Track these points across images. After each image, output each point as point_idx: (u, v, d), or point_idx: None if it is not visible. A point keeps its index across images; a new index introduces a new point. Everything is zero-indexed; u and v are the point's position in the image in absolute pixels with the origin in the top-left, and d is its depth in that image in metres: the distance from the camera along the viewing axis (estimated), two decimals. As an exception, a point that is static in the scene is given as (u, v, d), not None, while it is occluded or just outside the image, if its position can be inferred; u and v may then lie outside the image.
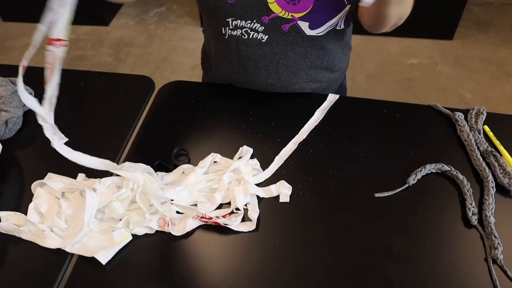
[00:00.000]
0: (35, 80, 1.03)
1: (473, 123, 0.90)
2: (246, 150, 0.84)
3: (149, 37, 2.80)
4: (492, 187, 0.77)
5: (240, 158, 0.83)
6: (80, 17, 2.88)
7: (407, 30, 2.62)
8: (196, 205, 0.77)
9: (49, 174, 0.81)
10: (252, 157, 0.84)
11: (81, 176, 0.81)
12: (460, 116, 0.91)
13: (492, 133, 0.88)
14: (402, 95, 2.29)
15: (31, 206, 0.74)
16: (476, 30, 2.77)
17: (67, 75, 1.08)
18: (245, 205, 0.76)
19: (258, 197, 0.77)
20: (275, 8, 0.83)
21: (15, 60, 2.64)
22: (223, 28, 0.89)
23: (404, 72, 2.44)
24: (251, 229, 0.72)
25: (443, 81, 2.37)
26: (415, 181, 0.78)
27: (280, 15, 0.84)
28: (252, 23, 0.86)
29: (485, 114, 0.92)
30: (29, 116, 0.96)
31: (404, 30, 2.59)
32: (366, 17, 0.83)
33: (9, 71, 1.06)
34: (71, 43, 2.77)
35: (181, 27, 2.87)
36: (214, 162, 0.83)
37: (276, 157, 0.84)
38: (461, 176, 0.78)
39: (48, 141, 0.90)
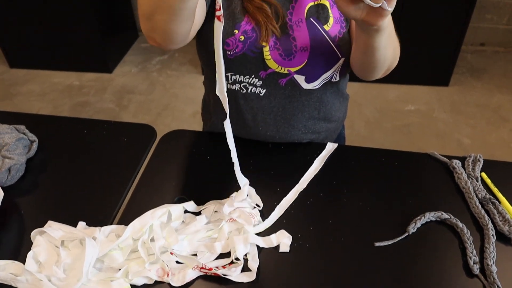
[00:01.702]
0: (39, 127, 1.05)
1: (471, 171, 0.91)
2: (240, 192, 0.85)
3: (151, 85, 2.86)
4: (493, 235, 0.77)
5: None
6: (85, 64, 2.96)
7: (404, 77, 2.68)
8: (196, 254, 0.76)
9: (49, 222, 0.81)
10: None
11: (81, 224, 0.81)
12: (457, 163, 0.92)
13: (489, 180, 0.89)
14: (401, 141, 2.32)
15: (29, 254, 0.74)
16: (471, 76, 2.84)
17: (70, 123, 1.11)
18: (245, 255, 0.75)
19: (258, 246, 0.77)
20: (271, 64, 0.87)
21: (20, 107, 2.69)
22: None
23: (402, 119, 2.48)
24: (251, 280, 0.71)
25: (441, 127, 2.41)
26: (415, 229, 0.78)
27: (277, 70, 0.88)
28: (251, 78, 0.89)
29: (482, 161, 0.93)
30: (32, 162, 0.97)
31: (401, 77, 2.66)
32: (356, 64, 0.86)
33: (15, 118, 1.08)
34: (74, 89, 2.84)
35: (182, 74, 2.94)
36: (215, 211, 0.83)
37: (277, 206, 0.84)
38: (460, 224, 0.79)
39: (49, 188, 0.91)
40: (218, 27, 0.66)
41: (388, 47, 0.76)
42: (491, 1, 2.92)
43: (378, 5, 0.57)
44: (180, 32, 0.72)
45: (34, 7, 2.71)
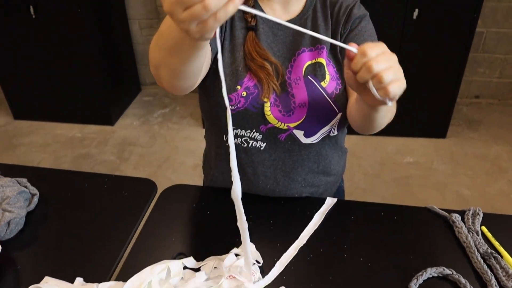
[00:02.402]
0: (41, 180, 1.06)
1: (471, 224, 0.90)
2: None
3: (152, 137, 2.90)
4: (496, 291, 0.76)
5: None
6: (88, 117, 3.02)
7: (401, 130, 2.72)
8: (194, 312, 0.75)
9: (46, 278, 0.80)
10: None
11: (78, 280, 0.80)
12: (457, 217, 0.92)
13: (490, 234, 0.89)
14: (400, 193, 2.32)
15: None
16: (468, 128, 2.88)
17: (72, 176, 1.12)
18: (245, 312, 0.74)
19: (258, 303, 0.76)
20: (271, 119, 0.90)
21: (21, 158, 2.71)
22: (224, 136, 0.94)
23: (401, 171, 2.49)
24: None
25: (440, 179, 2.41)
26: (417, 286, 0.77)
27: (277, 125, 0.90)
28: (252, 132, 0.92)
29: (481, 215, 0.93)
30: (32, 216, 0.97)
31: (399, 129, 2.70)
32: (355, 124, 0.87)
33: (17, 171, 1.09)
34: (76, 141, 2.87)
35: (183, 127, 2.99)
36: (215, 268, 0.82)
37: (277, 262, 0.84)
38: (463, 280, 0.77)
39: (47, 242, 0.90)
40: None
41: (387, 114, 0.79)
42: (483, 56, 3.03)
43: (380, 98, 0.59)
44: (184, 87, 0.75)
45: (40, 61, 2.81)
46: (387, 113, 0.78)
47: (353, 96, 0.87)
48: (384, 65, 0.57)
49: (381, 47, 0.59)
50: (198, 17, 0.46)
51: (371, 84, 0.58)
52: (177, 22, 0.49)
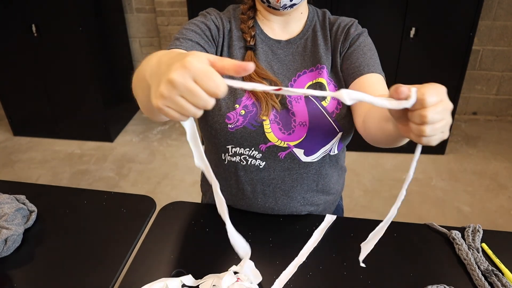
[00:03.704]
0: (39, 197, 1.06)
1: (471, 241, 0.90)
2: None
3: (151, 154, 2.90)
4: (498, 309, 0.75)
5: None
6: (87, 133, 3.02)
7: (400, 146, 2.72)
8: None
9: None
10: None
11: (76, 299, 0.79)
12: (457, 234, 0.92)
13: (491, 251, 0.88)
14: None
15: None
16: (466, 144, 2.89)
17: (71, 193, 1.12)
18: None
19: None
20: (271, 137, 0.90)
21: (20, 173, 2.71)
22: (223, 154, 0.94)
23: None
24: None
25: (439, 195, 2.41)
26: (418, 303, 0.77)
27: (277, 144, 0.90)
28: (251, 151, 0.92)
29: (481, 232, 0.93)
30: (30, 233, 0.96)
31: (397, 147, 2.70)
32: (376, 137, 0.82)
33: (17, 187, 1.09)
34: (75, 157, 2.87)
35: (182, 144, 2.99)
36: (213, 286, 0.81)
37: (276, 280, 0.83)
38: (464, 298, 0.77)
39: (44, 260, 0.89)
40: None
41: None
42: (480, 73, 3.06)
43: (414, 140, 0.56)
44: (157, 120, 0.76)
45: (40, 78, 2.83)
46: None
47: (362, 109, 0.84)
48: (438, 117, 0.52)
49: (441, 93, 0.54)
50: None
51: (411, 125, 0.55)
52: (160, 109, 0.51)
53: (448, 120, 0.54)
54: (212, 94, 0.49)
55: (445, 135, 0.55)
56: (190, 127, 0.58)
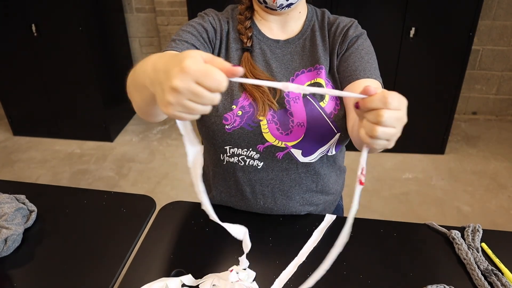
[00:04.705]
0: (39, 197, 1.06)
1: (471, 241, 0.90)
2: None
3: (151, 154, 2.90)
4: (497, 309, 0.75)
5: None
6: (87, 133, 3.02)
7: (399, 146, 2.70)
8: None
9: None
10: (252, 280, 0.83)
11: (76, 298, 0.79)
12: (456, 234, 0.92)
13: (490, 251, 0.88)
14: (399, 209, 2.31)
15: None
16: (466, 144, 2.89)
17: (71, 193, 1.12)
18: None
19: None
20: (269, 137, 0.90)
21: (20, 173, 2.71)
22: (221, 155, 0.94)
23: (400, 187, 2.49)
24: None
25: (439, 195, 2.41)
26: (418, 303, 0.77)
27: (274, 144, 0.90)
28: (248, 151, 0.92)
29: (481, 232, 0.93)
30: (29, 233, 0.96)
31: (397, 146, 2.68)
32: (356, 141, 0.85)
33: (16, 187, 1.09)
34: (75, 157, 2.87)
35: (182, 144, 2.95)
36: (213, 285, 0.81)
37: (276, 280, 0.83)
38: (464, 298, 0.77)
39: (44, 260, 0.90)
40: None
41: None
42: (480, 73, 3.06)
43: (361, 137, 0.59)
44: (153, 120, 0.80)
45: (40, 77, 2.83)
46: None
47: (353, 114, 0.86)
48: (392, 122, 0.55)
49: (402, 103, 0.56)
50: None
51: (365, 122, 0.57)
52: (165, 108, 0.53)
53: (398, 132, 0.57)
54: (215, 90, 0.51)
55: (390, 144, 0.59)
56: (182, 125, 0.63)
